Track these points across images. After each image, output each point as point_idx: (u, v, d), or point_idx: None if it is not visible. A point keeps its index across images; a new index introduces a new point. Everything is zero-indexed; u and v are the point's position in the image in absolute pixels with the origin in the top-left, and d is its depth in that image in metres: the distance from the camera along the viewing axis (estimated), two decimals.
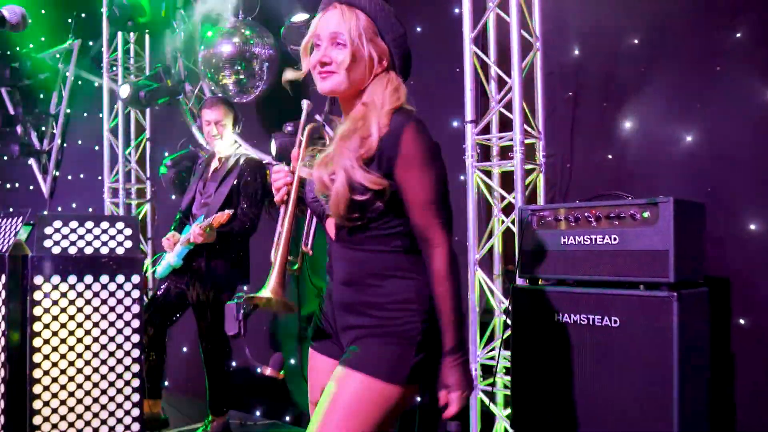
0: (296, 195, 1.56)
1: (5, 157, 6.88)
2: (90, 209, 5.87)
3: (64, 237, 2.79)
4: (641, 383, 2.05)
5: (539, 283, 2.42)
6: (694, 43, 2.73)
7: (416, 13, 3.67)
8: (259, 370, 3.29)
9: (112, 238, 2.87)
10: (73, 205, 6.15)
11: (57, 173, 6.45)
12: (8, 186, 7.02)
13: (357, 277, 1.53)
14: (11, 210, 2.69)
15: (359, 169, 1.43)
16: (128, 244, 2.89)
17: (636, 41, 2.91)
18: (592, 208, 2.23)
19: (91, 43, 5.89)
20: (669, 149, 2.79)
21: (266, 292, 1.46)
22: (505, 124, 3.14)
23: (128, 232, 2.90)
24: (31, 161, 6.56)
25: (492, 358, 3.07)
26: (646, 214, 2.10)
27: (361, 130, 1.49)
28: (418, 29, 3.67)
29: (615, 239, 2.16)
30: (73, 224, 2.82)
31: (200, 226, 3.00)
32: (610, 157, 2.99)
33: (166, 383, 4.99)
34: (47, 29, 6.39)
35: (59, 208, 6.29)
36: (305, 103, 1.66)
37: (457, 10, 3.38)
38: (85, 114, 5.95)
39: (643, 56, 2.88)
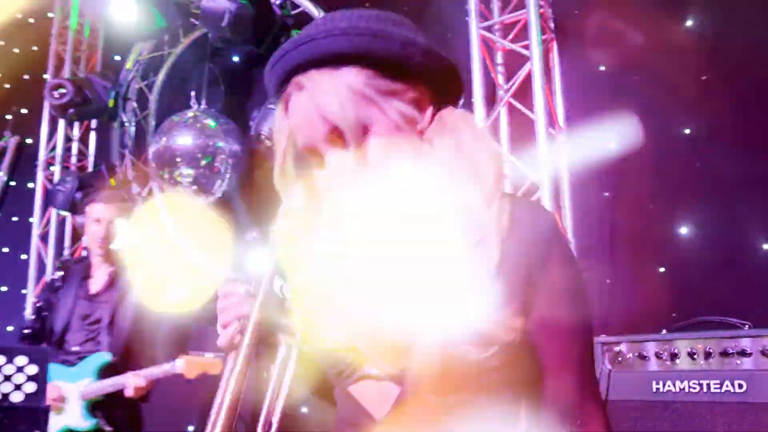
0: (256, 335, 0.87)
1: None
2: (9, 328, 4.94)
3: None
4: None
5: None
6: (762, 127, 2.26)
7: None
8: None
9: (8, 378, 2.07)
10: None
11: None
12: None
13: None
14: None
15: None
16: (30, 387, 2.09)
17: (688, 131, 2.43)
18: (696, 341, 1.59)
19: (30, 140, 5.27)
20: (743, 259, 2.23)
21: None
22: None
23: (32, 370, 2.11)
24: None
25: None
26: None
27: None
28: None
29: (741, 387, 1.51)
30: None
31: None
32: (662, 270, 2.41)
33: None
34: None
35: None
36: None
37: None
38: (15, 218, 5.17)
39: (697, 148, 2.40)
